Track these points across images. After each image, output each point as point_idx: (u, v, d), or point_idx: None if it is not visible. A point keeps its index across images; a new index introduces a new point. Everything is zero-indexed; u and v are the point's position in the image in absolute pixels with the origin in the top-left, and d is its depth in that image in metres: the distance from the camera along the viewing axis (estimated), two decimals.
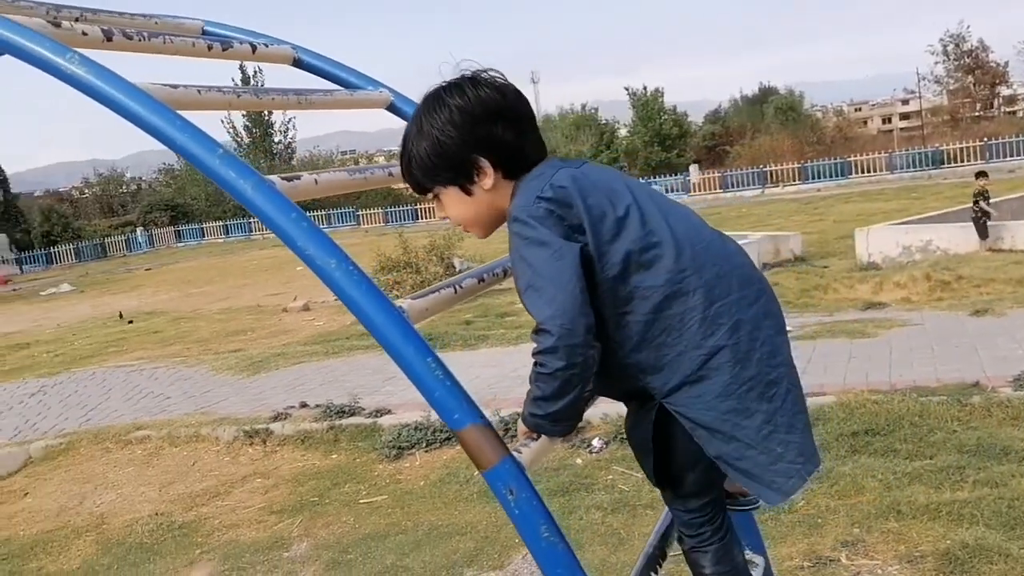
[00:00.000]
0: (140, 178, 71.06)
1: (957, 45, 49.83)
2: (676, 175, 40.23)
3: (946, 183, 27.75)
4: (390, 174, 2.00)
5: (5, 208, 46.74)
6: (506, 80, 1.61)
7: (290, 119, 53.92)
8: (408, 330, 1.48)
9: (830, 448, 4.98)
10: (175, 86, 1.74)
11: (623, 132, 52.73)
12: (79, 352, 13.40)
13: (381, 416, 6.70)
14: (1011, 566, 3.52)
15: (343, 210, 44.24)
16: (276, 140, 53.48)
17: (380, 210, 42.19)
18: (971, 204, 13.86)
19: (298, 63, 2.43)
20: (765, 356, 1.52)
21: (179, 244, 47.02)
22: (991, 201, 13.85)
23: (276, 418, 7.08)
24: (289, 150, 54.18)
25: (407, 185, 1.70)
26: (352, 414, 6.85)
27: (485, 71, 1.60)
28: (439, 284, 1.71)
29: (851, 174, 34.04)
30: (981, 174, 14.94)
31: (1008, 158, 30.83)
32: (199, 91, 1.81)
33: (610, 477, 5.16)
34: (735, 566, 1.77)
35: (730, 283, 1.54)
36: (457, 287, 1.73)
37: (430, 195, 1.64)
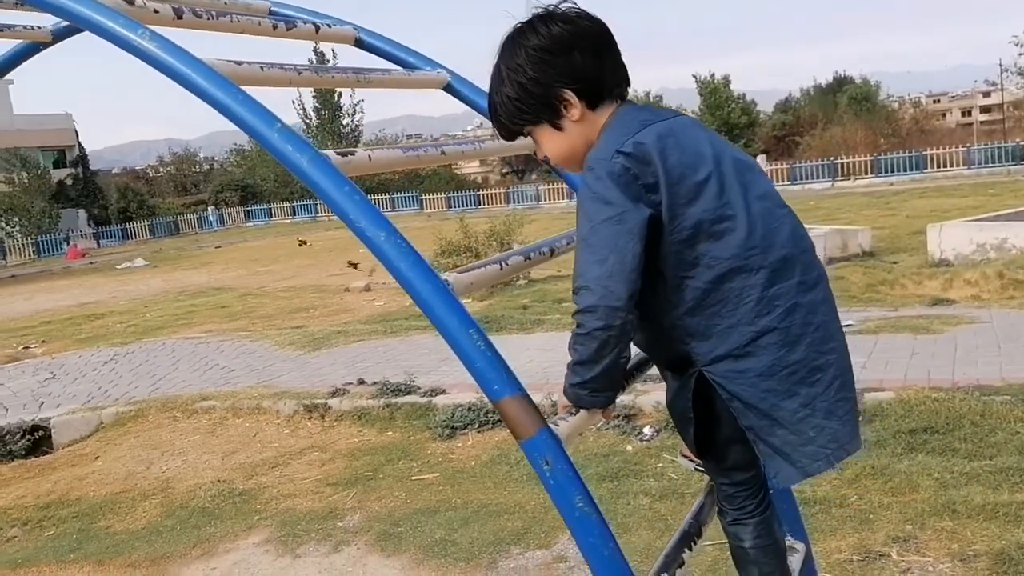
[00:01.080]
0: (212, 158, 72.87)
1: None
2: None
3: None
4: (443, 152, 2.05)
5: (84, 184, 48.45)
6: (579, 9, 1.63)
7: (358, 102, 54.52)
8: (452, 301, 1.54)
9: (886, 445, 4.90)
10: (239, 62, 1.82)
11: None
12: (150, 324, 13.88)
13: (436, 396, 6.80)
14: None
15: (407, 194, 44.67)
16: (344, 122, 54.15)
17: (443, 195, 42.50)
18: None
19: (359, 43, 2.50)
20: (816, 341, 1.54)
21: (248, 223, 48.11)
22: None
23: (334, 394, 7.25)
24: (356, 132, 54.82)
25: (496, 134, 1.75)
26: (408, 393, 6.96)
27: (555, 6, 1.62)
28: (485, 260, 1.76)
29: (926, 168, 32.99)
30: None
31: None
32: (262, 67, 1.89)
33: (660, 465, 5.16)
34: (775, 541, 1.79)
35: (794, 267, 1.56)
36: (503, 264, 1.78)
37: (523, 136, 1.68)
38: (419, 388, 7.02)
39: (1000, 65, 52.72)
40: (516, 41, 1.62)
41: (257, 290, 18.15)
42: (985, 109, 72.32)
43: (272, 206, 49.17)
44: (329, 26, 2.41)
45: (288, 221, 46.66)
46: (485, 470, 5.50)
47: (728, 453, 1.72)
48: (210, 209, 50.32)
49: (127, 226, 46.61)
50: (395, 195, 45.15)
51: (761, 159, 40.07)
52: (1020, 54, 49.24)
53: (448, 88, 2.47)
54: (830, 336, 1.57)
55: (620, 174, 1.49)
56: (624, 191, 1.48)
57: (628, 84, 1.66)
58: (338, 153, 1.67)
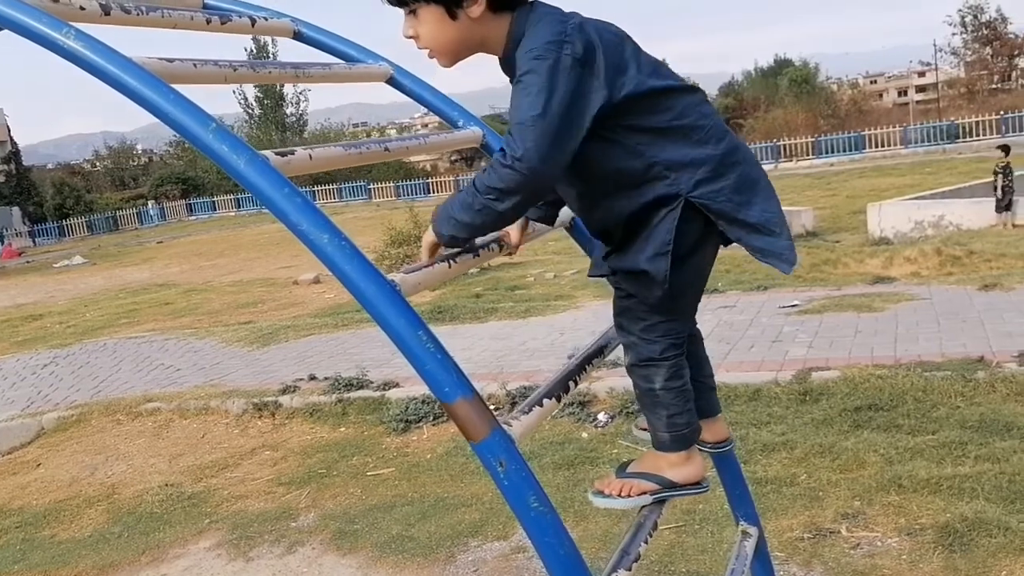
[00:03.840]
0: (151, 151, 71.22)
1: (975, 16, 49.09)
2: None
3: (961, 158, 27.49)
4: (386, 149, 2.00)
5: (18, 181, 46.95)
6: None
7: (302, 91, 53.74)
8: (400, 303, 1.50)
9: (833, 423, 5.00)
10: (171, 60, 1.75)
11: None
12: (91, 323, 13.53)
13: (389, 389, 6.75)
14: (1010, 539, 3.54)
15: (355, 184, 44.23)
16: (288, 112, 53.38)
17: (392, 184, 42.19)
18: (992, 179, 13.75)
19: (298, 36, 2.42)
20: (751, 159, 1.73)
21: (191, 217, 47.18)
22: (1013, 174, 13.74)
23: (285, 391, 7.14)
24: (301, 122, 54.10)
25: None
26: (360, 387, 6.90)
27: None
28: (433, 258, 1.72)
29: (865, 148, 33.74)
30: (1002, 147, 14.78)
31: None
32: (195, 64, 1.82)
33: (615, 451, 5.20)
34: (685, 382, 1.83)
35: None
36: (451, 261, 1.75)
37: (406, 9, 1.62)
38: (372, 382, 6.96)
39: (935, 45, 54.14)
40: None
41: (202, 285, 17.82)
42: (920, 89, 74.04)
43: (216, 199, 48.28)
44: (266, 19, 2.33)
45: (233, 214, 45.85)
46: (441, 463, 5.48)
47: (685, 295, 1.76)
48: (150, 203, 49.24)
49: (64, 223, 45.39)
50: (343, 185, 44.68)
51: None
52: (953, 34, 50.75)
53: (391, 81, 2.41)
54: (752, 155, 1.76)
55: (570, 65, 1.51)
56: (574, 82, 1.51)
57: None
58: (277, 153, 1.61)
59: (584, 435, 5.54)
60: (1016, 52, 50.52)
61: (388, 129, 67.25)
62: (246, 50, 50.57)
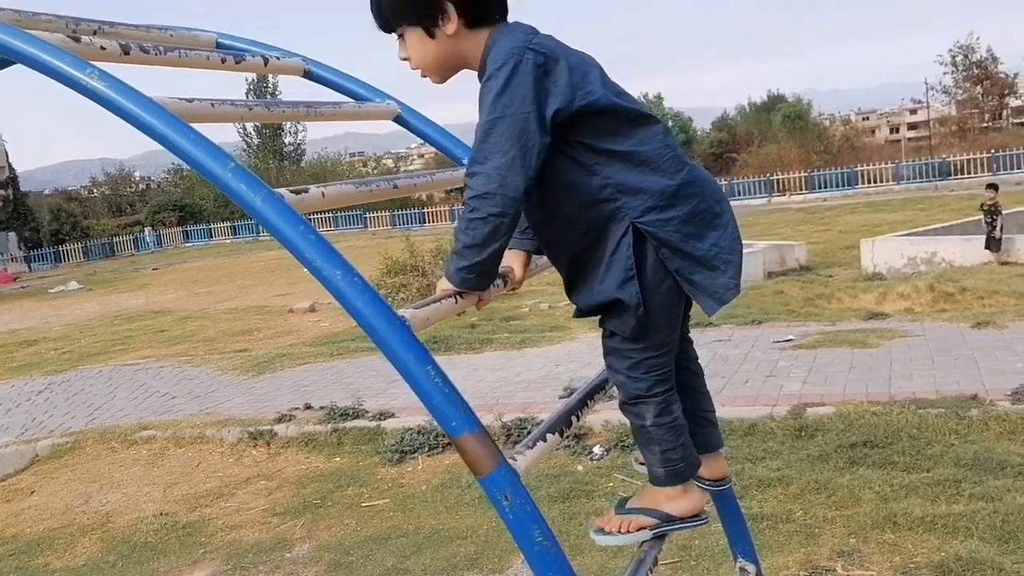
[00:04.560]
0: (149, 178, 71.46)
1: (966, 56, 49.77)
2: None
3: (952, 195, 27.73)
4: (395, 186, 2.06)
5: (15, 206, 47.01)
6: None
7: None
8: (409, 339, 1.54)
9: (829, 459, 5.02)
10: (190, 100, 1.80)
11: None
12: (86, 350, 13.51)
13: (385, 419, 6.75)
14: None
15: (351, 212, 44.37)
16: (286, 141, 53.71)
17: (387, 213, 42.34)
18: (981, 216, 13.90)
19: (308, 75, 2.49)
20: (710, 192, 1.75)
21: (187, 244, 47.22)
22: (1002, 214, 13.89)
23: (280, 420, 7.14)
24: (299, 151, 54.41)
25: (376, 25, 1.78)
26: (356, 417, 6.90)
27: None
28: (442, 294, 1.76)
29: (857, 184, 34.04)
30: (991, 186, 14.95)
31: (1016, 170, 30.79)
32: (212, 104, 1.87)
33: (610, 484, 5.21)
34: (675, 418, 1.84)
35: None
36: (457, 297, 1.79)
37: (396, 34, 1.75)
38: (367, 412, 6.96)
39: (926, 83, 54.79)
40: None
41: (198, 312, 17.81)
42: (912, 126, 74.83)
43: (212, 226, 48.38)
44: (278, 58, 2.39)
45: (229, 241, 45.94)
46: (436, 494, 5.48)
47: (662, 326, 1.78)
48: (147, 230, 49.30)
49: (60, 248, 45.38)
50: (338, 213, 44.79)
51: None
52: (945, 73, 51.39)
53: (399, 119, 2.48)
54: (718, 189, 1.80)
55: (530, 70, 1.58)
56: (533, 85, 1.57)
57: (507, 13, 1.75)
58: (292, 191, 1.67)
59: (580, 468, 5.55)
60: (1006, 91, 51.20)
61: (385, 159, 67.67)
62: (247, 81, 50.99)
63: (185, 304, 19.86)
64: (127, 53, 1.96)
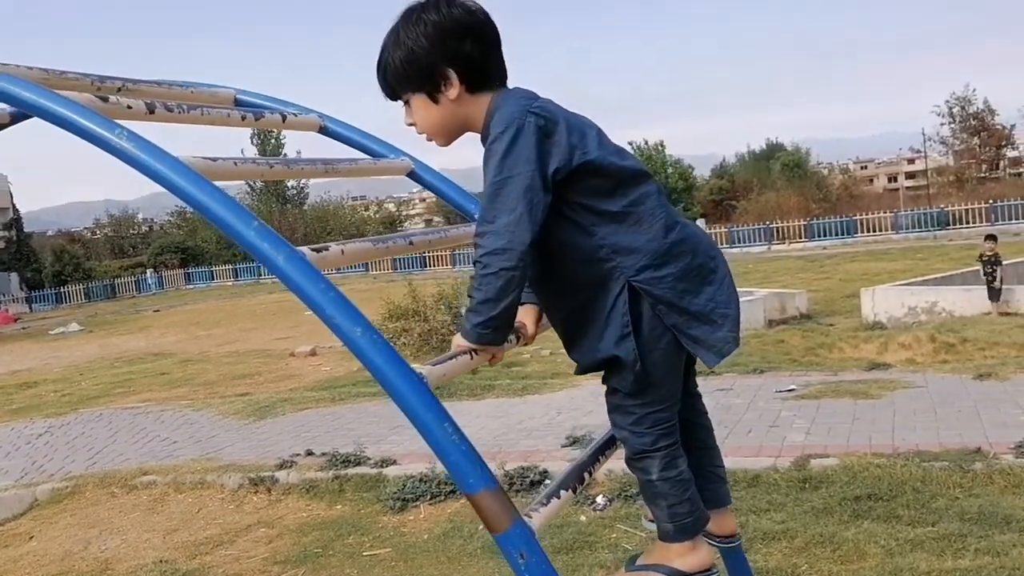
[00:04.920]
0: (152, 220, 71.89)
1: (963, 108, 50.39)
2: None
3: (951, 244, 27.87)
4: (410, 243, 2.10)
5: (18, 247, 47.21)
6: (478, 3, 1.79)
7: None
8: (427, 396, 1.57)
9: (833, 512, 5.00)
10: (213, 159, 1.86)
11: None
12: (86, 392, 13.47)
13: (387, 466, 6.72)
14: None
15: None
16: (289, 184, 54.08)
17: (389, 257, 42.52)
18: (980, 267, 13.97)
19: (324, 130, 2.55)
20: (704, 249, 1.82)
21: (188, 286, 47.30)
22: (1002, 264, 13.97)
23: (281, 466, 7.11)
24: (302, 195, 54.78)
25: (382, 93, 1.86)
26: (358, 463, 6.87)
27: None
28: (455, 351, 1.79)
29: (856, 233, 34.22)
30: (990, 237, 15.05)
31: (1014, 221, 31.03)
32: (235, 163, 1.93)
33: (614, 535, 5.17)
34: (680, 472, 1.87)
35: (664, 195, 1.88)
36: (472, 353, 1.82)
37: (402, 101, 1.83)
38: (369, 459, 6.93)
39: (923, 134, 55.38)
40: (418, 13, 1.77)
41: (198, 356, 17.79)
42: (910, 175, 75.42)
43: (214, 268, 48.53)
44: (295, 115, 2.46)
45: (231, 284, 46.04)
46: (439, 544, 5.44)
47: (664, 382, 1.81)
48: (149, 272, 49.42)
49: (61, 290, 45.45)
50: None
51: (700, 223, 41.10)
52: (942, 124, 51.97)
53: (412, 175, 2.54)
54: (712, 246, 1.86)
55: (532, 132, 1.65)
56: (536, 147, 1.65)
57: (507, 78, 1.83)
58: (312, 249, 1.71)
59: (583, 518, 5.52)
60: (1003, 143, 51.72)
61: (386, 203, 68.03)
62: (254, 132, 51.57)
63: (186, 347, 19.84)
64: (152, 112, 2.02)
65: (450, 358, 1.75)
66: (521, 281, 1.67)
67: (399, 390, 1.56)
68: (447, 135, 1.85)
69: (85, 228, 71.45)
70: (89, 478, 7.44)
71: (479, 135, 1.79)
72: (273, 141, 52.25)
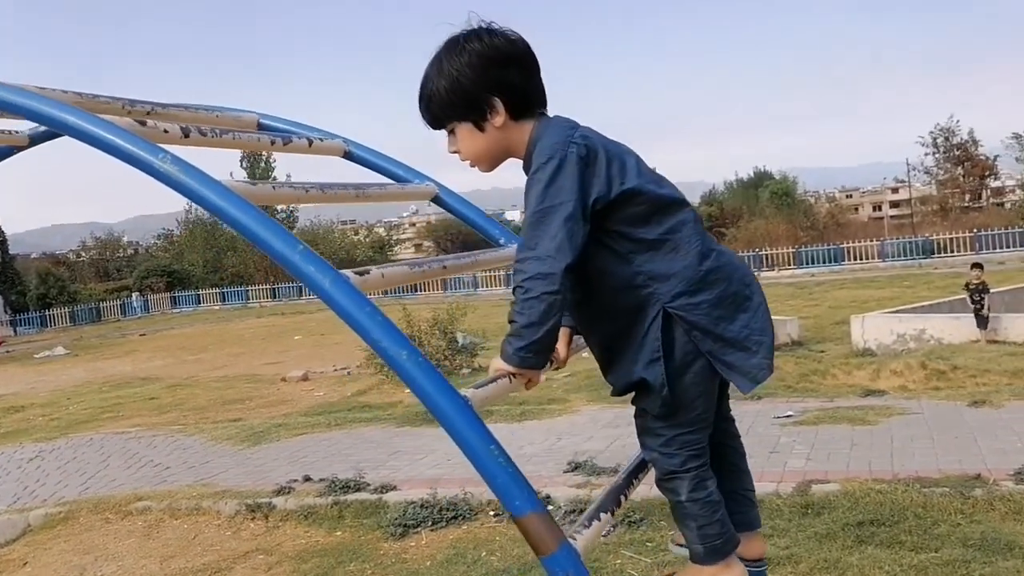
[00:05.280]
0: (137, 242, 71.57)
1: (947, 138, 51.06)
2: None
3: (937, 272, 28.11)
4: (444, 267, 2.13)
5: (2, 270, 46.87)
6: (516, 32, 1.83)
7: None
8: (473, 419, 1.58)
9: (837, 537, 5.01)
10: (253, 182, 1.88)
11: None
12: (75, 417, 13.35)
13: (386, 492, 6.69)
14: None
15: None
16: (279, 208, 54.01)
17: None
18: (967, 295, 14.09)
19: (348, 155, 2.58)
20: (740, 277, 1.84)
21: (174, 310, 47.01)
22: (989, 292, 14.10)
23: (279, 492, 7.06)
24: (291, 218, 54.71)
25: (425, 124, 1.89)
26: (357, 489, 6.83)
27: (495, 23, 1.82)
28: (496, 374, 1.81)
29: (844, 260, 34.49)
30: (977, 265, 15.20)
31: (998, 250, 31.37)
32: (273, 187, 1.96)
33: (619, 562, 5.16)
34: (709, 493, 1.88)
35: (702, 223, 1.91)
36: (511, 377, 1.84)
37: (447, 130, 1.86)
38: (368, 484, 6.90)
39: (908, 163, 56.05)
40: (461, 44, 1.80)
41: (187, 380, 17.68)
42: (894, 204, 76.21)
43: (200, 292, 48.29)
44: (321, 140, 2.49)
45: (218, 307, 45.82)
46: (442, 571, 5.40)
47: (694, 405, 1.83)
48: (134, 295, 49.11)
49: (46, 313, 45.07)
50: None
51: None
52: (926, 154, 52.63)
53: (436, 199, 2.56)
54: (747, 273, 1.88)
55: (574, 163, 1.69)
56: (577, 178, 1.69)
57: (547, 103, 1.87)
58: (356, 272, 1.73)
59: None
60: (987, 173, 52.39)
61: (376, 228, 68.03)
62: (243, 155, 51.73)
63: (173, 371, 19.71)
64: (187, 136, 2.04)
65: (490, 381, 1.76)
66: (563, 306, 1.69)
67: (446, 413, 1.57)
68: (491, 161, 1.88)
69: (70, 251, 71.04)
70: (83, 503, 7.36)
71: (520, 160, 1.83)
72: (263, 164, 52.29)
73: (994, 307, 14.41)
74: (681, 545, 2.16)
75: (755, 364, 1.81)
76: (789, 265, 35.33)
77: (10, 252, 51.12)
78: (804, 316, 18.92)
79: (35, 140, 2.73)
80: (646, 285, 1.78)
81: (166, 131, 1.96)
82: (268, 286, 46.81)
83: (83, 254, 66.07)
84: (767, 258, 36.18)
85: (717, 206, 55.79)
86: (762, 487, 5.76)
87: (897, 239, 36.88)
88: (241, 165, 52.91)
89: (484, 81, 1.77)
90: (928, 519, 5.09)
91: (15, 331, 42.67)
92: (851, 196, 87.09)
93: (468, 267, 2.28)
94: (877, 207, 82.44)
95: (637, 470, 2.06)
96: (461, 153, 1.88)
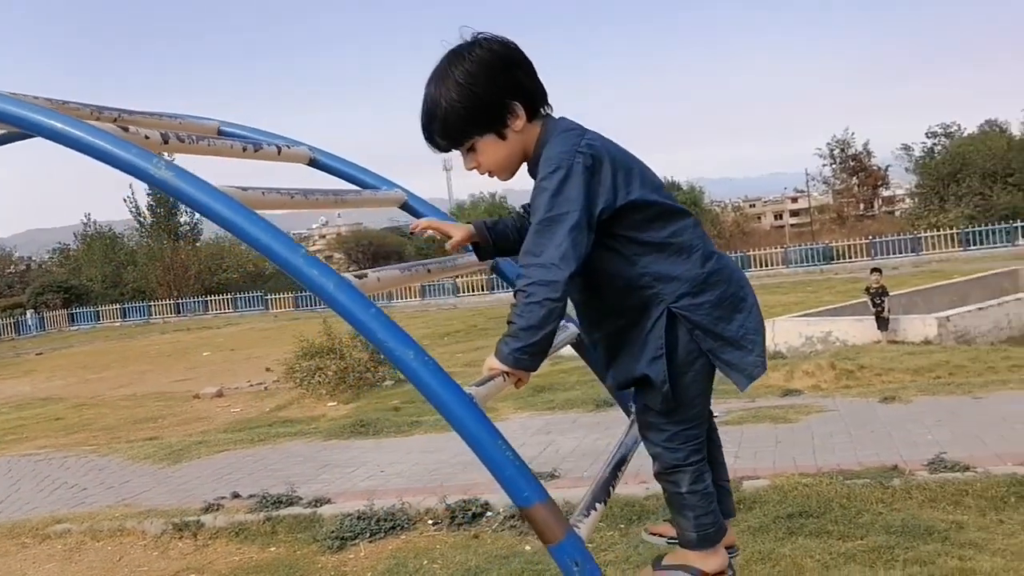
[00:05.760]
0: (30, 257, 68.18)
1: (843, 150, 53.43)
2: None
3: (837, 278, 29.41)
4: (428, 271, 2.17)
5: None
6: (504, 36, 1.86)
7: None
8: (480, 414, 1.63)
9: (769, 530, 5.22)
10: (245, 188, 1.89)
11: None
12: None
13: (321, 506, 6.60)
14: None
15: (251, 294, 43.43)
16: (182, 220, 52.45)
17: (291, 295, 41.57)
18: (868, 299, 14.77)
19: (313, 163, 2.60)
20: (736, 280, 1.93)
21: (72, 327, 44.97)
22: (889, 295, 14.82)
23: (207, 509, 6.88)
24: (195, 231, 53.15)
25: (434, 148, 1.91)
26: (290, 504, 6.72)
27: (484, 32, 1.85)
28: (491, 373, 1.86)
29: (750, 267, 35.66)
30: (876, 270, 15.99)
31: (892, 255, 33.02)
32: (263, 192, 1.97)
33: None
34: (707, 485, 1.98)
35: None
36: (505, 375, 1.89)
37: (464, 148, 1.86)
38: (301, 499, 6.79)
39: (807, 173, 58.38)
40: (463, 55, 1.82)
41: (92, 400, 17.00)
42: (794, 213, 79.20)
43: (100, 308, 46.38)
44: (288, 147, 2.50)
45: (118, 324, 44.12)
46: None
47: (695, 402, 1.93)
48: (28, 313, 46.75)
49: None
50: (238, 295, 43.78)
51: None
52: (824, 165, 54.92)
53: (405, 206, 2.60)
54: (742, 276, 1.97)
55: (580, 173, 1.74)
56: (583, 188, 1.73)
57: (548, 100, 1.92)
58: (355, 275, 1.76)
59: (528, 548, 5.57)
60: (879, 183, 55.03)
61: (299, 239, 66.63)
62: None
63: (76, 391, 18.91)
64: (167, 142, 2.05)
65: (488, 380, 1.82)
66: (562, 313, 1.74)
67: (453, 410, 1.62)
68: (512, 168, 1.91)
69: None
70: None
71: (527, 163, 1.88)
72: None
73: (892, 310, 15.19)
74: (656, 535, 2.26)
75: (751, 362, 1.90)
76: None
77: None
78: None
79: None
80: (651, 286, 1.85)
81: (147, 137, 1.95)
82: (171, 301, 45.33)
83: None
84: None
85: None
86: None
87: (799, 246, 38.36)
88: None
89: (499, 87, 1.79)
90: (852, 509, 5.35)
91: None
92: (754, 206, 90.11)
93: (450, 270, 2.31)
94: (778, 216, 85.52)
95: (619, 464, 2.14)
96: (482, 166, 1.90)
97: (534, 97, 1.86)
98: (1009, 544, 4.63)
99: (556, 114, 1.92)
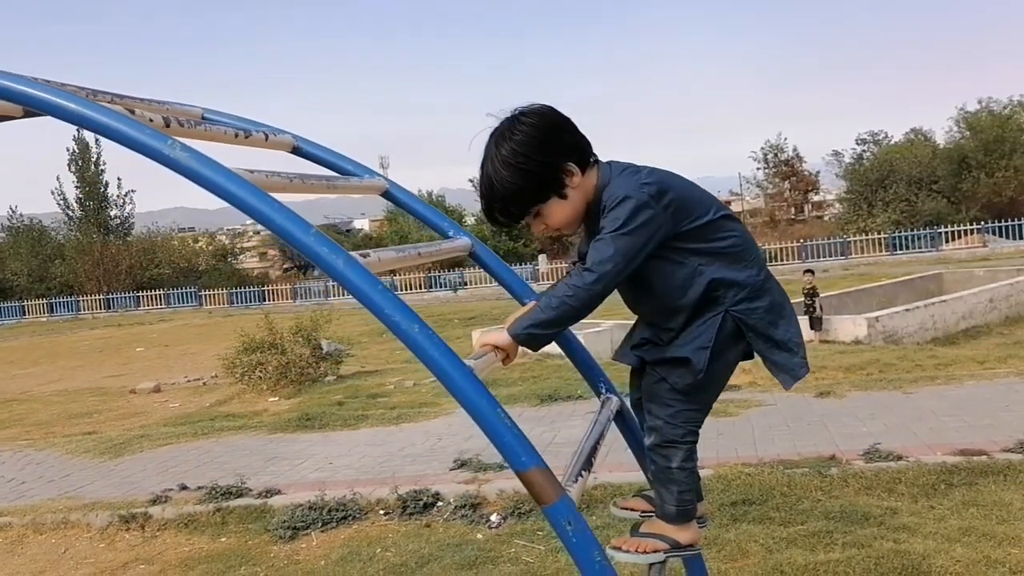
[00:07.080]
0: None
1: (775, 154, 54.83)
2: (524, 264, 41.17)
3: None
4: (419, 254, 2.28)
5: None
6: (537, 103, 2.01)
7: (127, 192, 51.72)
8: (479, 385, 1.75)
9: (714, 517, 5.42)
10: (251, 171, 1.97)
11: (470, 220, 53.83)
12: None
13: (271, 496, 6.61)
14: None
15: (184, 290, 42.55)
16: (112, 214, 51.07)
17: (224, 291, 40.86)
18: (803, 299, 15.23)
19: (296, 150, 2.69)
20: (780, 289, 2.14)
21: None
22: (820, 295, 15.33)
23: (154, 501, 6.82)
24: (126, 225, 51.81)
25: (500, 225, 2.08)
26: (239, 495, 6.70)
27: (521, 107, 2.00)
28: (483, 349, 1.98)
29: None
30: (808, 271, 16.52)
31: (821, 258, 34.08)
32: (267, 175, 2.05)
33: (513, 550, 5.37)
34: (694, 464, 2.20)
35: None
36: (497, 351, 2.01)
37: (530, 216, 2.01)
38: (251, 490, 6.78)
39: (740, 176, 59.73)
40: (506, 136, 1.95)
41: (22, 395, 16.52)
42: None
43: (25, 303, 44.89)
44: (275, 135, 2.58)
45: (45, 319, 42.75)
46: (338, 569, 5.42)
47: (712, 389, 2.14)
48: None
49: None
50: (171, 291, 42.84)
51: (542, 258, 42.25)
52: (757, 168, 56.25)
53: (386, 194, 2.70)
54: (782, 290, 2.16)
55: (647, 202, 1.91)
56: (648, 216, 1.91)
57: (592, 148, 2.08)
58: (361, 255, 1.86)
59: (479, 536, 5.68)
60: (810, 188, 56.63)
61: (219, 236, 65.38)
62: (67, 150, 48.79)
63: (3, 386, 18.32)
64: (168, 126, 2.11)
65: (482, 355, 1.94)
66: (588, 313, 1.94)
67: (456, 381, 1.74)
68: (579, 220, 2.05)
69: None
70: None
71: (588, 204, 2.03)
72: (94, 164, 49.46)
73: (824, 310, 15.73)
74: (627, 508, 2.41)
75: (796, 363, 2.09)
76: None
77: None
78: None
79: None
80: (715, 290, 2.02)
81: (151, 120, 2.02)
82: (102, 296, 44.13)
83: None
84: None
85: None
86: (641, 475, 6.14)
87: None
88: (70, 168, 49.82)
89: (549, 156, 1.93)
90: (793, 496, 5.61)
91: None
92: None
93: (435, 254, 2.43)
94: None
95: (599, 439, 2.28)
96: (549, 228, 2.04)
97: (583, 151, 2.00)
98: (939, 528, 4.92)
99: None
